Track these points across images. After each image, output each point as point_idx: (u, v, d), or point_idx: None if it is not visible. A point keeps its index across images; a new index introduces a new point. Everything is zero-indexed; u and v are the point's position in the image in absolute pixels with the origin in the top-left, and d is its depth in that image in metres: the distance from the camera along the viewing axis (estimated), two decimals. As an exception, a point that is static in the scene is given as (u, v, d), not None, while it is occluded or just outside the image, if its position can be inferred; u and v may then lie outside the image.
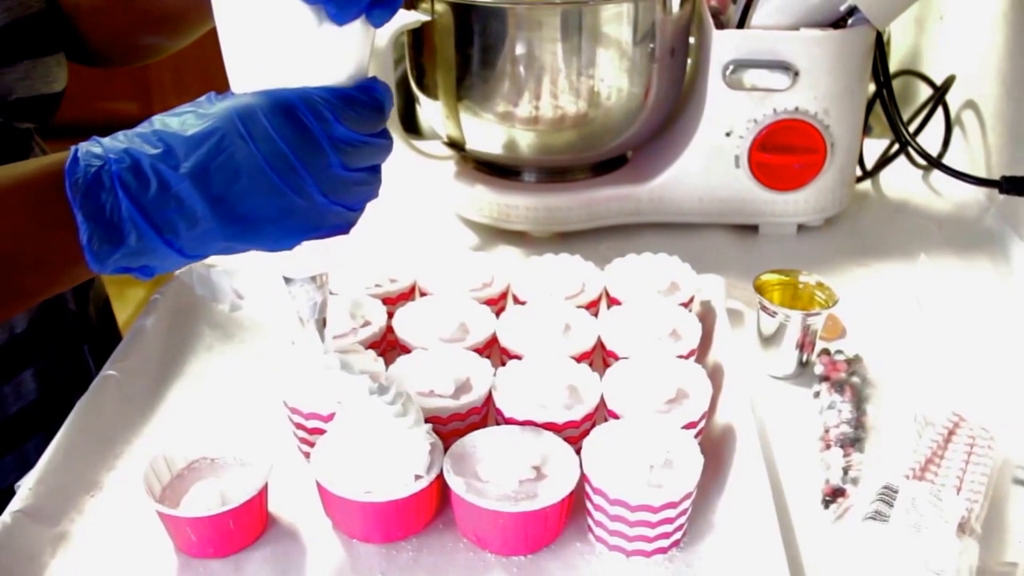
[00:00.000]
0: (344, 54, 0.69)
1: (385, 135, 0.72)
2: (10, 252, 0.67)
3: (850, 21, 1.18)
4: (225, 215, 0.67)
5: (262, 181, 0.66)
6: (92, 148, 0.67)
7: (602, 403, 0.87)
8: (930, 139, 1.41)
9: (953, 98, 1.43)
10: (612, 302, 1.03)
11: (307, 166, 0.67)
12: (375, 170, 0.72)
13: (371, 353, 0.90)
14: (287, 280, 0.78)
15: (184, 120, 0.67)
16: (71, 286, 0.75)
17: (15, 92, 0.96)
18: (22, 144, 1.00)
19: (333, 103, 0.67)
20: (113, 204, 0.65)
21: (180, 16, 1.06)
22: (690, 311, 1.01)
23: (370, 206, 0.73)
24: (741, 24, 1.18)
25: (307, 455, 0.87)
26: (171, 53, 1.14)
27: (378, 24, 0.69)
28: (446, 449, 0.81)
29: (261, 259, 0.74)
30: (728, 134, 1.22)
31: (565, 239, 1.27)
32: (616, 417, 0.85)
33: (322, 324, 0.80)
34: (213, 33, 0.71)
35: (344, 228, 0.73)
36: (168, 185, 0.65)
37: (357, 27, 0.68)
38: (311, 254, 0.74)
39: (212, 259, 1.07)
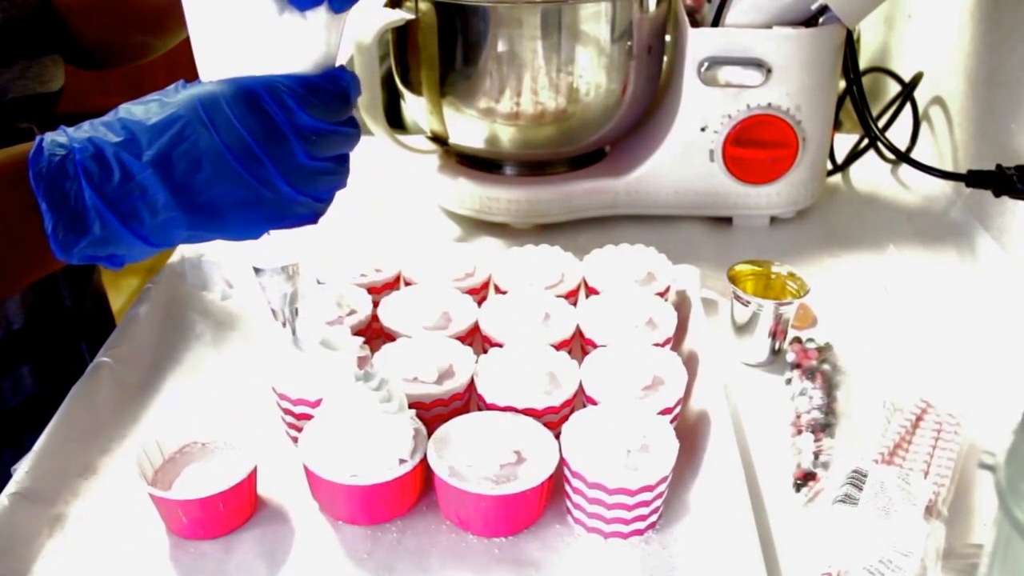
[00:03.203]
0: (309, 42, 0.67)
1: (352, 124, 0.70)
2: None
3: (821, 19, 1.18)
4: (188, 204, 0.66)
5: (225, 170, 0.65)
6: (58, 137, 0.66)
7: (580, 390, 0.88)
8: (898, 134, 1.42)
9: (921, 94, 1.45)
10: (590, 292, 1.04)
11: (270, 155, 0.66)
12: (343, 160, 0.71)
13: (358, 340, 0.91)
14: (257, 271, 0.76)
15: (148, 108, 0.66)
16: (41, 275, 0.74)
17: (10, 92, 0.96)
18: (23, 143, 1.00)
19: (297, 91, 0.66)
20: (77, 193, 0.65)
21: (167, 14, 1.05)
22: (666, 300, 1.02)
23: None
24: (716, 22, 1.19)
25: (295, 440, 0.89)
26: (160, 53, 1.13)
27: (339, 10, 0.67)
28: (429, 434, 0.81)
29: (230, 249, 0.73)
30: (703, 129, 1.23)
31: (545, 231, 1.28)
32: (594, 403, 0.86)
33: (294, 315, 0.79)
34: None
35: (312, 218, 0.71)
36: (131, 173, 0.65)
37: (321, 14, 0.66)
38: (279, 244, 0.73)
39: (203, 249, 1.09)
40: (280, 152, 0.66)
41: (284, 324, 0.79)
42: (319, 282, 1.02)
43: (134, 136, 0.65)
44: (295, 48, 0.67)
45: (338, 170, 0.71)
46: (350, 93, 0.70)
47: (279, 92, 0.66)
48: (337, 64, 0.71)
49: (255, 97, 0.65)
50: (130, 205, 0.65)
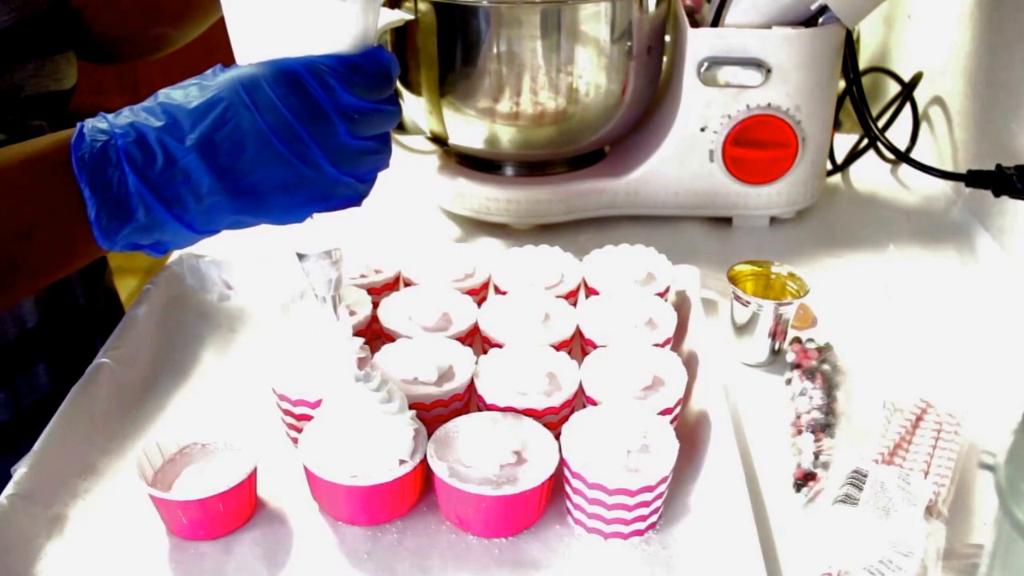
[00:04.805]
0: (348, 21, 0.67)
1: (392, 102, 0.71)
2: (20, 230, 0.66)
3: (821, 20, 1.19)
4: (232, 187, 0.66)
5: (268, 151, 0.66)
6: (98, 124, 0.66)
7: (580, 390, 0.88)
8: (898, 134, 1.42)
9: (921, 94, 1.45)
10: (590, 292, 1.03)
11: (313, 135, 0.66)
12: (384, 139, 0.71)
13: (359, 340, 0.91)
14: (300, 256, 0.76)
15: (188, 92, 0.66)
16: (83, 264, 0.74)
17: (25, 90, 0.96)
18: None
19: (338, 70, 0.66)
20: (120, 179, 0.65)
21: (187, 5, 1.06)
22: (666, 301, 1.02)
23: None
24: (715, 23, 1.19)
25: (295, 440, 0.89)
26: (180, 46, 1.13)
27: None
28: (429, 435, 0.81)
29: (274, 234, 0.72)
30: (703, 129, 1.23)
31: (545, 231, 1.28)
32: (594, 403, 0.86)
33: (337, 301, 0.79)
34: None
35: (356, 199, 0.72)
36: (174, 158, 0.65)
37: None
38: (323, 228, 0.73)
39: (202, 250, 1.09)
40: (323, 132, 0.66)
41: (327, 311, 0.79)
42: None
43: (176, 120, 0.65)
44: (334, 28, 0.67)
45: (381, 149, 0.71)
46: (391, 71, 0.70)
47: (320, 72, 0.66)
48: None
49: (296, 77, 0.66)
50: (174, 190, 0.66)
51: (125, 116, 0.67)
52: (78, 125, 0.67)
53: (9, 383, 1.01)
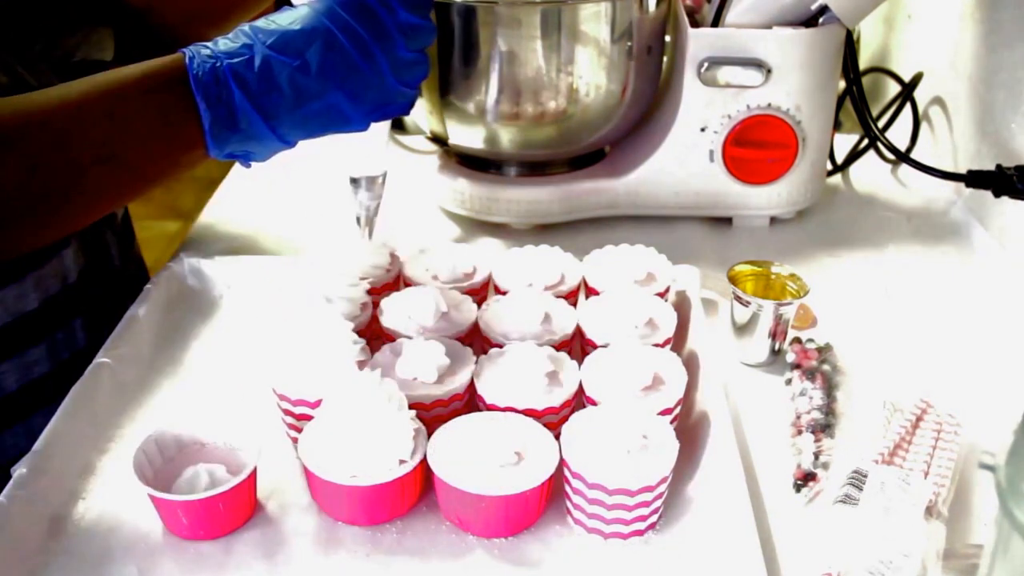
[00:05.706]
0: None
1: (431, 19, 0.86)
2: (139, 137, 0.80)
3: (821, 20, 1.18)
4: (318, 100, 0.81)
5: (348, 66, 0.81)
6: (201, 50, 0.79)
7: (580, 390, 0.87)
8: (898, 134, 1.42)
9: (921, 95, 1.45)
10: (590, 292, 1.03)
11: (382, 49, 0.81)
12: (424, 53, 0.87)
13: (361, 342, 0.91)
14: (353, 180, 0.97)
15: (276, 20, 0.81)
16: (185, 172, 0.85)
17: (74, 57, 1.03)
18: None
19: None
20: (227, 94, 0.78)
21: (234, 7, 1.17)
22: (666, 301, 1.02)
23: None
24: (715, 23, 1.19)
25: (295, 440, 0.88)
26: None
27: None
28: (429, 434, 0.81)
29: (335, 158, 0.91)
30: (703, 129, 1.23)
31: (545, 231, 1.28)
32: (594, 403, 0.86)
33: (374, 225, 1.04)
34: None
35: (405, 107, 0.88)
36: (272, 75, 0.79)
37: None
38: (373, 153, 0.93)
39: (202, 250, 1.09)
40: (387, 46, 0.82)
41: (367, 232, 1.05)
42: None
43: (272, 43, 0.79)
44: None
45: (424, 60, 0.87)
46: None
47: None
48: None
49: (363, 1, 0.81)
50: (272, 102, 0.80)
51: (226, 42, 0.80)
52: (182, 51, 0.80)
53: (50, 337, 1.04)
